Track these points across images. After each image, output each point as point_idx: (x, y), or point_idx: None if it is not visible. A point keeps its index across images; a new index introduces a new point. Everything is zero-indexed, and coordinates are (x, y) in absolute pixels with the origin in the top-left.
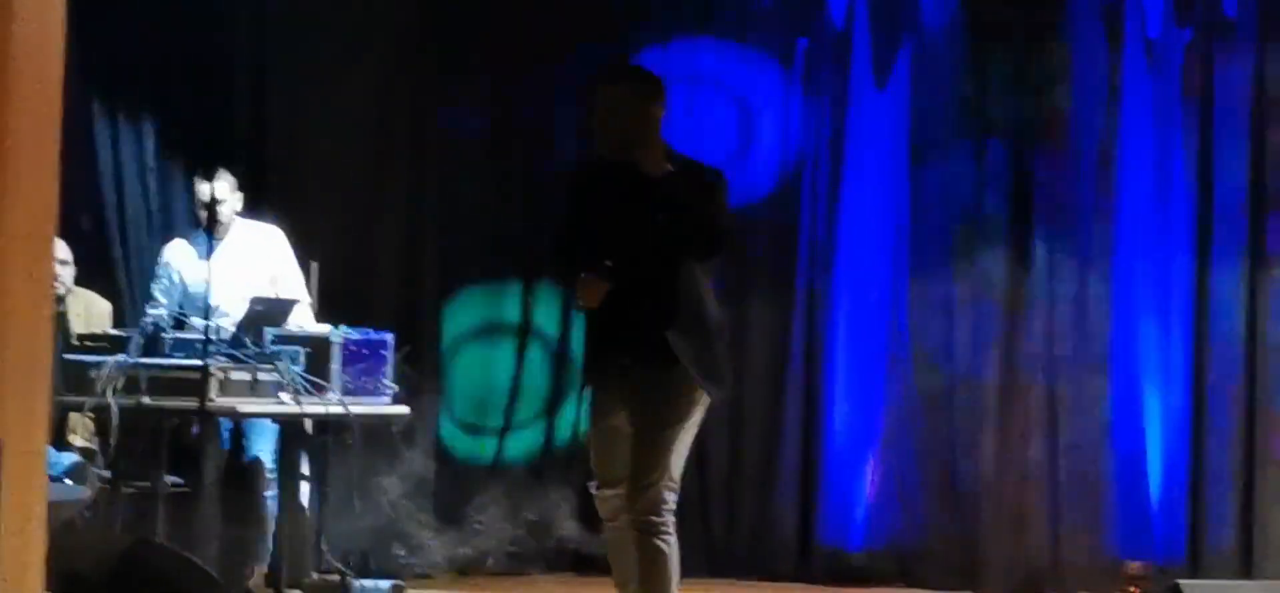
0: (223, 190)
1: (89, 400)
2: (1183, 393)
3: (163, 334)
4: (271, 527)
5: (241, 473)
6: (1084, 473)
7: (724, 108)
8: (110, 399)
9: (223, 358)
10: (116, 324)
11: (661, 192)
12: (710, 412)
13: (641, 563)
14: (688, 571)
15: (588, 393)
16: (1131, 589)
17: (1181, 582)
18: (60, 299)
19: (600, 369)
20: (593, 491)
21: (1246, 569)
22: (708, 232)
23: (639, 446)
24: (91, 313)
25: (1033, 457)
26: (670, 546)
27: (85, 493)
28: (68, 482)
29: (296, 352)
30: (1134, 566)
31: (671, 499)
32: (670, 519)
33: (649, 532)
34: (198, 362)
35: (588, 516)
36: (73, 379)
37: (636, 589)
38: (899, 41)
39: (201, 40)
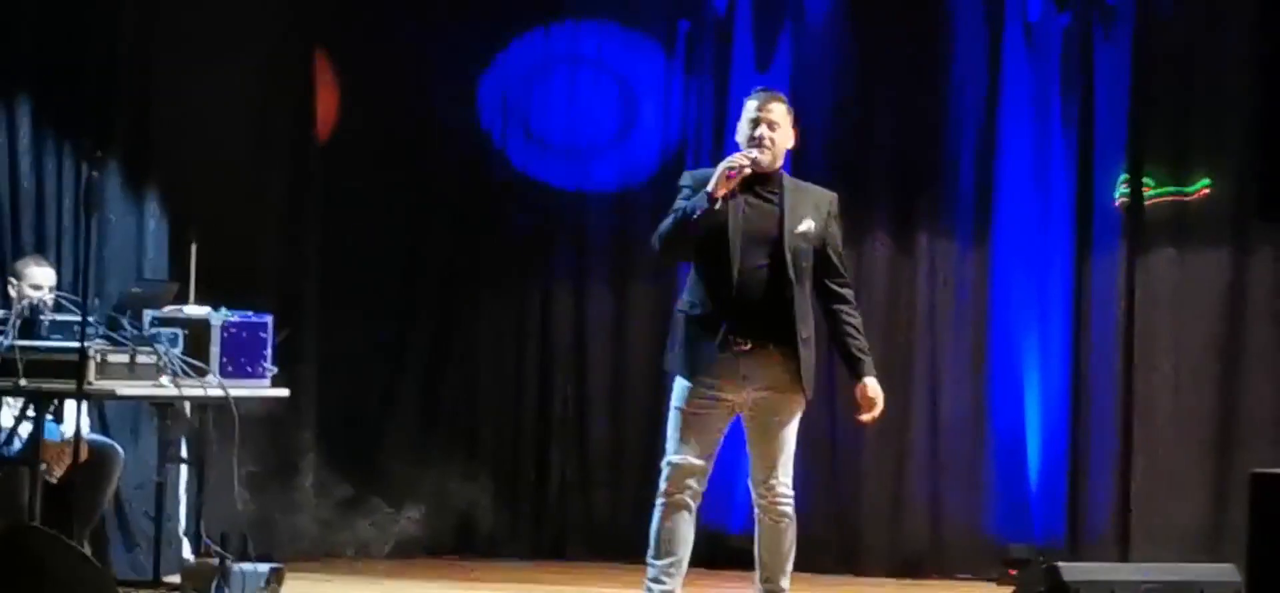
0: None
1: None
2: (1062, 378)
3: (41, 316)
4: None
5: (97, 459)
6: (964, 456)
7: (606, 89)
8: None
9: (101, 341)
10: None
11: (803, 212)
12: None
13: (779, 542)
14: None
15: (683, 375)
16: (1011, 572)
17: (1060, 564)
18: None
19: (710, 354)
20: (670, 463)
21: (1124, 552)
22: (844, 269)
23: (766, 434)
24: None
25: (913, 441)
26: (795, 517)
27: None
28: None
29: (175, 334)
30: (1013, 549)
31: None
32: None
33: (782, 513)
34: (76, 344)
35: (478, 497)
36: None
37: (770, 565)
38: (780, 25)
39: (83, 21)
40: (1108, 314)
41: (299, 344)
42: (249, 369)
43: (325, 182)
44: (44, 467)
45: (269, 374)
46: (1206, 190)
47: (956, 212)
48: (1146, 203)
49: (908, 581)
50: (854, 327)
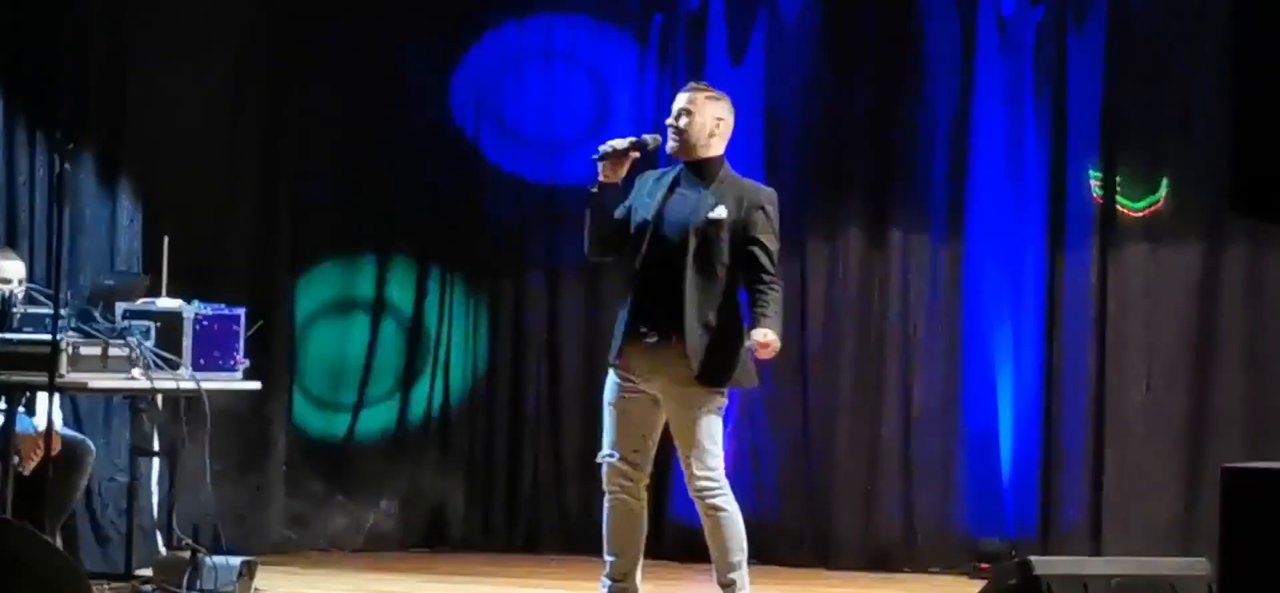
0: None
1: None
2: (1034, 372)
3: (12, 308)
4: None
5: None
6: (936, 450)
7: (580, 83)
8: None
9: (73, 333)
10: None
11: (718, 200)
12: None
13: (716, 533)
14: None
15: (612, 367)
16: (982, 566)
17: (1032, 558)
18: None
19: (630, 345)
20: (603, 460)
21: (1096, 546)
22: (763, 257)
23: (679, 427)
24: None
25: (885, 434)
26: (730, 507)
27: None
28: None
29: (148, 327)
30: (985, 542)
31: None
32: (723, 484)
33: (709, 505)
34: (47, 336)
35: (451, 491)
36: None
37: (716, 558)
38: (754, 17)
39: (57, 13)
40: (1080, 308)
41: (271, 337)
42: (221, 362)
43: (297, 175)
44: (15, 459)
45: (241, 367)
46: (1160, 203)
47: (929, 205)
48: (1117, 203)
49: (880, 574)
50: (765, 299)
